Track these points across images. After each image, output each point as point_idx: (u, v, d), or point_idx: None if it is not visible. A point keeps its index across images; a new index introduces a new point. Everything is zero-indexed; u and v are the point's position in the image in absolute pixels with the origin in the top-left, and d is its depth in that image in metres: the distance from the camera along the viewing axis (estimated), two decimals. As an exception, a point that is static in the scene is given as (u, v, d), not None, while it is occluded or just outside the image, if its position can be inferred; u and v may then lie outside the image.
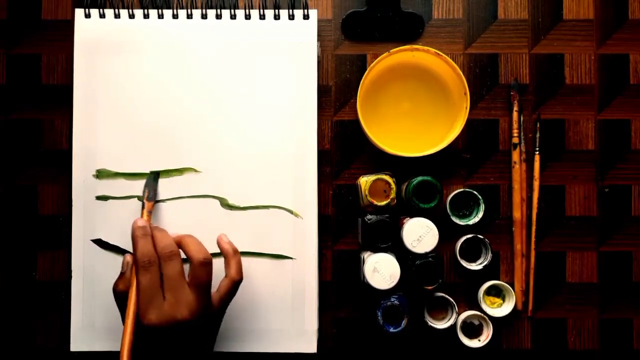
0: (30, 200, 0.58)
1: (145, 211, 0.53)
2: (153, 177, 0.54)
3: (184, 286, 0.47)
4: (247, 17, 0.57)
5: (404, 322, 0.53)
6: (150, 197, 0.53)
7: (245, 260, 0.56)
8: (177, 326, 0.46)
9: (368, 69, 0.54)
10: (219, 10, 0.57)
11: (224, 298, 0.50)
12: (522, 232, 0.58)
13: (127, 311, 0.47)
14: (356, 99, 0.54)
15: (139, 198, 0.51)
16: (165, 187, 0.57)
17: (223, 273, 0.52)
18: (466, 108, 0.54)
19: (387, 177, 0.53)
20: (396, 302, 0.53)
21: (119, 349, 0.56)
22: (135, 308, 0.47)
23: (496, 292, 0.58)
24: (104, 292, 0.57)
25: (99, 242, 0.57)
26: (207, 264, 0.48)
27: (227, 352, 0.56)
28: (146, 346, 0.46)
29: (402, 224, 0.54)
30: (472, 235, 0.56)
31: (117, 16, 0.57)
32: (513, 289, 0.57)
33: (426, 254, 0.53)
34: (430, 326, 0.56)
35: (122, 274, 0.50)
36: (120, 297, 0.49)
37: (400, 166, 0.57)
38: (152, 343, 0.46)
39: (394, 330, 0.53)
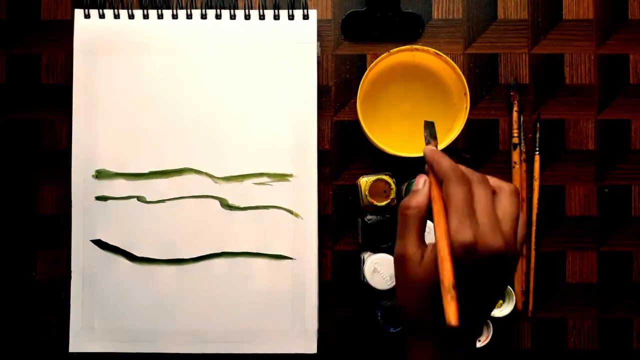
0: (30, 200, 0.58)
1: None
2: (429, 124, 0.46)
3: (496, 215, 0.39)
4: (247, 17, 0.57)
5: (404, 322, 0.53)
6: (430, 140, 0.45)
7: (245, 260, 0.57)
8: (491, 256, 0.38)
9: (368, 69, 0.54)
10: (218, 11, 0.57)
11: (523, 238, 0.42)
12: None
13: (436, 225, 0.40)
14: (356, 99, 0.54)
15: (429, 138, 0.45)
16: (165, 187, 0.57)
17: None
18: (466, 108, 0.54)
19: (387, 177, 0.53)
20: (396, 302, 0.53)
21: (118, 350, 0.56)
22: (446, 223, 0.39)
23: (496, 292, 0.58)
24: (103, 293, 0.57)
25: (99, 242, 0.57)
26: (517, 194, 0.41)
27: (228, 352, 0.56)
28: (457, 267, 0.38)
29: (402, 224, 0.54)
30: (472, 235, 0.56)
31: (116, 16, 0.57)
32: (513, 289, 0.57)
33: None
34: (430, 326, 0.56)
35: (414, 192, 0.42)
36: (413, 212, 0.41)
37: (400, 166, 0.57)
38: (461, 265, 0.38)
39: (394, 330, 0.53)
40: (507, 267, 0.39)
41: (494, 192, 0.40)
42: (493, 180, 0.42)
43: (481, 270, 0.38)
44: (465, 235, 0.37)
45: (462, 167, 0.41)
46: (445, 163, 0.40)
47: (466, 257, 0.37)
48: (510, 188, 0.41)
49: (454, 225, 0.38)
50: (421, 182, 0.42)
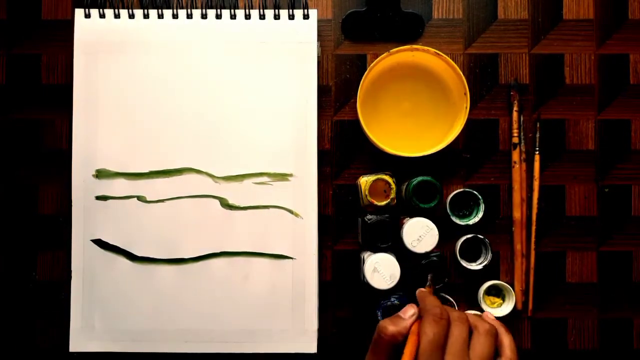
0: (30, 200, 0.58)
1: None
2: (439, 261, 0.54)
3: (465, 356, 0.43)
4: (247, 17, 0.57)
5: (404, 322, 0.53)
6: (433, 283, 0.52)
7: (245, 260, 0.57)
8: None
9: (368, 69, 0.54)
10: (219, 10, 0.58)
11: None
12: (522, 232, 0.58)
13: (403, 357, 0.43)
14: (356, 99, 0.54)
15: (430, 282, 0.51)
16: (165, 187, 0.57)
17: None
18: (466, 108, 0.54)
19: (387, 177, 0.53)
20: (396, 302, 0.53)
21: (118, 350, 0.56)
22: (412, 357, 0.43)
23: (496, 292, 0.58)
24: (103, 293, 0.57)
25: (99, 242, 0.57)
26: (492, 334, 0.45)
27: (228, 352, 0.56)
28: None
29: (402, 224, 0.54)
30: (472, 235, 0.56)
31: (117, 16, 0.57)
32: (513, 289, 0.57)
33: (427, 253, 0.53)
34: (430, 326, 0.56)
35: (398, 317, 0.46)
36: (389, 339, 0.45)
37: (400, 166, 0.57)
38: None
39: (394, 330, 0.53)
40: None
41: (471, 331, 0.44)
42: (472, 319, 0.45)
43: None
44: None
45: (447, 307, 0.45)
46: (429, 301, 0.45)
47: None
48: (484, 328, 0.44)
49: None
50: (409, 312, 0.46)
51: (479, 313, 0.49)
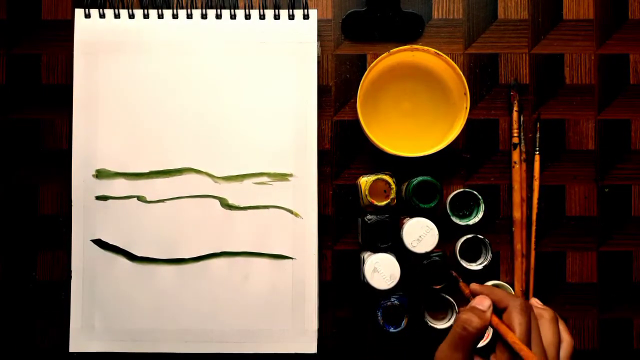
0: (30, 200, 0.58)
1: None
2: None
3: (542, 344, 0.42)
4: (247, 17, 0.57)
5: (404, 322, 0.53)
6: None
7: (245, 260, 0.57)
8: None
9: (368, 69, 0.54)
10: (219, 10, 0.58)
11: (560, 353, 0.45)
12: (522, 232, 0.58)
13: (520, 350, 0.41)
14: (356, 99, 0.54)
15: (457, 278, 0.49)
16: (165, 187, 0.57)
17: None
18: (466, 108, 0.54)
19: (387, 177, 0.53)
20: (396, 302, 0.53)
21: (118, 350, 0.56)
22: (521, 340, 0.41)
23: (496, 292, 0.58)
24: (103, 293, 0.57)
25: (99, 242, 0.57)
26: (556, 322, 0.45)
27: (228, 352, 0.56)
28: None
29: (402, 224, 0.54)
30: (472, 235, 0.56)
31: (117, 16, 0.57)
32: (513, 289, 0.57)
33: (428, 253, 0.53)
34: (430, 326, 0.56)
35: (474, 309, 0.43)
36: (476, 332, 0.42)
37: (400, 166, 0.57)
38: None
39: (394, 330, 0.53)
40: None
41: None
42: (537, 307, 0.45)
43: None
44: None
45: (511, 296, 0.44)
46: (500, 293, 0.44)
47: None
48: (549, 316, 0.44)
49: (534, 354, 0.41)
50: (486, 304, 0.44)
51: (536, 301, 0.49)
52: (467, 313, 0.43)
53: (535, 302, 0.48)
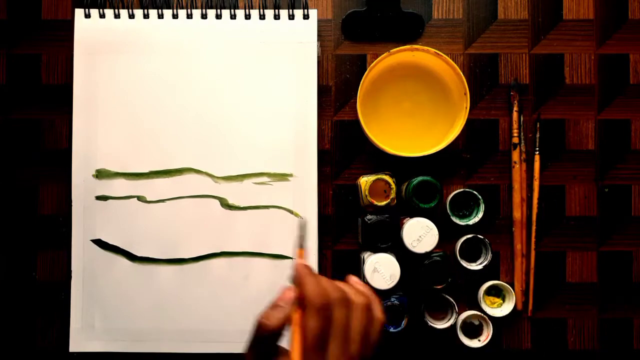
0: (30, 200, 0.58)
1: (301, 257, 0.48)
2: (303, 224, 0.50)
3: (348, 336, 0.42)
4: (247, 17, 0.57)
5: (404, 322, 0.53)
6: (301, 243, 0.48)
7: (245, 260, 0.57)
8: None
9: (368, 69, 0.54)
10: (219, 10, 0.58)
11: (375, 343, 0.45)
12: (522, 232, 0.58)
13: (291, 351, 0.42)
14: (356, 99, 0.54)
15: (300, 242, 0.47)
16: (165, 187, 0.57)
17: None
18: (466, 108, 0.54)
19: (387, 177, 0.53)
20: (396, 302, 0.53)
21: (118, 350, 0.56)
22: (300, 356, 0.41)
23: (496, 292, 0.58)
24: (103, 293, 0.57)
25: (99, 242, 0.57)
26: (369, 309, 0.44)
27: (228, 352, 0.56)
28: None
29: (402, 224, 0.54)
30: (472, 235, 0.56)
31: (117, 16, 0.57)
32: (513, 289, 0.57)
33: (428, 253, 0.53)
34: (430, 326, 0.56)
35: (276, 306, 0.43)
36: (269, 332, 0.42)
37: (400, 166, 0.57)
38: None
39: (394, 330, 0.53)
40: None
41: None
42: (352, 293, 0.43)
43: None
44: None
45: (324, 282, 0.43)
46: (310, 288, 0.42)
47: None
48: (359, 303, 0.43)
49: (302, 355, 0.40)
50: (287, 298, 0.43)
51: (355, 280, 0.48)
52: (265, 312, 0.42)
53: (353, 282, 0.46)
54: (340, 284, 0.44)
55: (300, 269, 0.43)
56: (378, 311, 0.45)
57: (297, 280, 0.43)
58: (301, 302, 0.42)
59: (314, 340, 0.41)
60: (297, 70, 0.57)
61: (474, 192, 0.56)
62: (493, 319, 0.56)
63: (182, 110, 0.57)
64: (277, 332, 0.42)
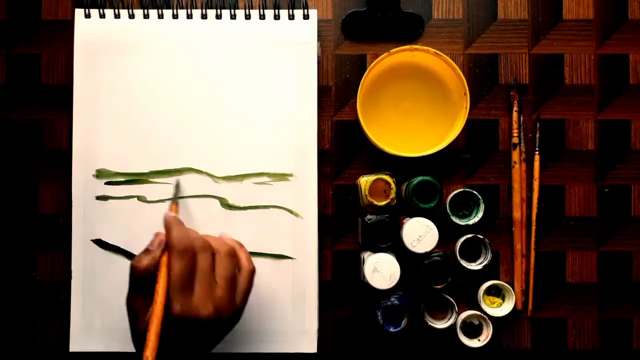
0: (30, 200, 0.58)
1: (173, 210, 0.54)
2: (177, 183, 0.56)
3: (213, 281, 0.47)
4: (247, 17, 0.57)
5: (404, 322, 0.53)
6: (174, 199, 0.54)
7: (245, 260, 0.57)
8: (199, 321, 0.45)
9: (368, 69, 0.54)
10: (219, 10, 0.58)
11: (245, 291, 0.50)
12: (522, 232, 0.58)
13: (156, 295, 0.45)
14: (356, 99, 0.54)
15: (173, 198, 0.52)
16: (165, 187, 0.57)
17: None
18: (466, 108, 0.54)
19: (387, 177, 0.53)
20: (396, 302, 0.53)
21: (118, 350, 0.56)
22: (164, 292, 0.45)
23: (496, 292, 0.58)
24: (103, 293, 0.57)
25: (99, 242, 0.57)
26: (233, 256, 0.49)
27: (227, 352, 0.56)
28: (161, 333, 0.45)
29: (402, 224, 0.54)
30: (472, 235, 0.56)
31: (117, 16, 0.57)
32: (513, 289, 0.57)
33: (428, 253, 0.53)
34: (430, 326, 0.56)
35: (147, 250, 0.47)
36: (141, 274, 0.46)
37: (400, 166, 0.57)
38: (168, 331, 0.45)
39: (394, 330, 0.53)
40: (220, 327, 0.47)
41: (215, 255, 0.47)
42: (214, 243, 0.48)
43: (192, 333, 0.45)
44: (175, 308, 0.44)
45: (191, 232, 0.47)
46: (175, 234, 0.46)
47: (177, 324, 0.44)
48: (224, 250, 0.48)
49: (170, 296, 0.44)
50: (156, 243, 0.47)
51: (224, 235, 0.52)
52: (138, 256, 0.47)
53: (222, 235, 0.52)
54: (208, 236, 0.49)
55: (169, 218, 0.48)
56: (244, 260, 0.50)
57: (165, 226, 0.47)
58: (169, 247, 0.46)
59: (178, 280, 0.44)
60: (297, 70, 0.57)
61: (474, 192, 0.56)
62: (493, 319, 0.56)
63: (182, 110, 0.57)
64: (150, 274, 0.46)
